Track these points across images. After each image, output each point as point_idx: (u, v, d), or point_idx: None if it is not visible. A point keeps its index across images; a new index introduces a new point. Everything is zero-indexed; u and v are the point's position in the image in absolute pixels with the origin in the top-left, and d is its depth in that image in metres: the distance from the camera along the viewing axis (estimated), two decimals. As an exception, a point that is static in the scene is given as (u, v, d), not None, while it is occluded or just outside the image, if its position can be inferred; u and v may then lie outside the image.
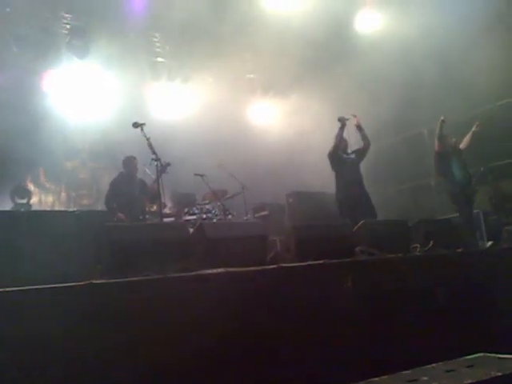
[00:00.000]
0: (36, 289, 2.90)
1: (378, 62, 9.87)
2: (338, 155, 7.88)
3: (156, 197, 7.29)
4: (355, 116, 7.85)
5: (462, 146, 8.27)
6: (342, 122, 7.76)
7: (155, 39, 11.05)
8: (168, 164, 7.11)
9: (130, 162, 7.86)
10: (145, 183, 7.91)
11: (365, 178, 8.22)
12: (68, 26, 9.84)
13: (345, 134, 7.92)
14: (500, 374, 2.79)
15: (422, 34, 9.11)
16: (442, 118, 7.99)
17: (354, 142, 8.38)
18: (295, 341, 3.59)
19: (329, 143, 8.06)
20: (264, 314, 3.56)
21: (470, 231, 7.37)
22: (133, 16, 9.64)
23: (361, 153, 8.06)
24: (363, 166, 8.33)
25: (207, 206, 8.68)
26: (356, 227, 5.62)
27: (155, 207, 8.08)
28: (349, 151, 8.10)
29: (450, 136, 8.20)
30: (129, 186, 7.66)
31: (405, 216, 8.38)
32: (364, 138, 7.95)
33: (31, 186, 9.73)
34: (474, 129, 8.25)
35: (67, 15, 9.80)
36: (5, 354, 2.66)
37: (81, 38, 9.87)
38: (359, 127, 7.91)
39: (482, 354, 3.28)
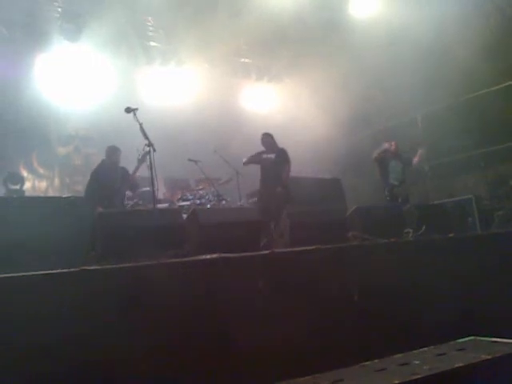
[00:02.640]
0: (29, 275, 2.91)
1: (373, 46, 9.83)
2: (254, 159, 8.17)
3: (135, 186, 7.65)
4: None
5: (414, 160, 8.73)
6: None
7: (148, 23, 10.93)
8: (147, 153, 7.08)
9: (113, 152, 7.55)
10: (126, 171, 7.60)
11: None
12: (59, 10, 9.71)
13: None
14: (490, 357, 2.83)
15: (416, 18, 9.06)
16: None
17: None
18: (286, 326, 3.62)
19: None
20: (256, 300, 3.58)
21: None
22: (126, -1, 9.53)
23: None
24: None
25: (201, 192, 8.68)
26: (349, 212, 5.65)
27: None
28: (273, 155, 8.12)
29: (389, 142, 8.77)
30: (110, 177, 7.35)
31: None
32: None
33: (24, 172, 9.66)
34: (420, 150, 8.72)
35: (59, -2, 9.68)
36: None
37: (73, 21, 9.75)
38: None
39: (473, 338, 3.32)
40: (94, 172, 7.44)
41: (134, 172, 7.39)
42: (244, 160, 8.27)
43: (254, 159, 8.23)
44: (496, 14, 9.29)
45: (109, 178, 7.28)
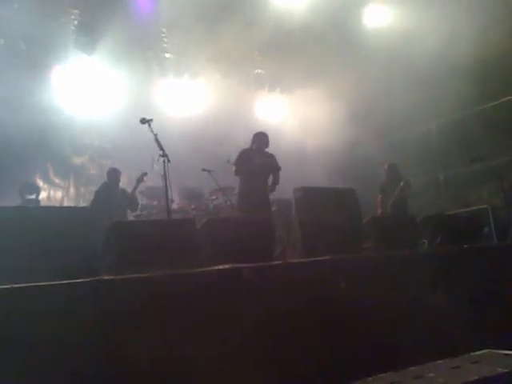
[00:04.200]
0: (45, 285, 2.94)
1: (386, 57, 9.82)
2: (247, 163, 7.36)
3: (135, 204, 8.26)
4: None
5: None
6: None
7: (163, 35, 11.03)
8: (145, 174, 7.79)
9: (113, 174, 8.15)
10: (126, 192, 8.14)
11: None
12: (75, 23, 9.84)
13: None
14: (506, 370, 2.78)
15: (429, 28, 9.04)
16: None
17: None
18: (300, 338, 3.61)
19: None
20: (269, 311, 3.57)
21: None
22: (140, 11, 9.64)
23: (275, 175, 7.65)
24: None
25: (215, 202, 8.70)
26: (364, 222, 5.61)
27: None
28: (269, 160, 7.52)
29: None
30: (111, 197, 7.82)
31: (414, 211, 8.38)
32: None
33: (40, 182, 9.77)
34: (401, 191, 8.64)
35: (74, 11, 9.80)
36: (12, 349, 2.70)
37: (88, 34, 9.89)
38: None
39: (487, 351, 3.27)
40: (97, 192, 8.00)
41: (133, 191, 8.06)
42: (233, 163, 7.41)
43: (247, 164, 7.35)
44: (510, 21, 9.22)
45: (110, 197, 7.78)
